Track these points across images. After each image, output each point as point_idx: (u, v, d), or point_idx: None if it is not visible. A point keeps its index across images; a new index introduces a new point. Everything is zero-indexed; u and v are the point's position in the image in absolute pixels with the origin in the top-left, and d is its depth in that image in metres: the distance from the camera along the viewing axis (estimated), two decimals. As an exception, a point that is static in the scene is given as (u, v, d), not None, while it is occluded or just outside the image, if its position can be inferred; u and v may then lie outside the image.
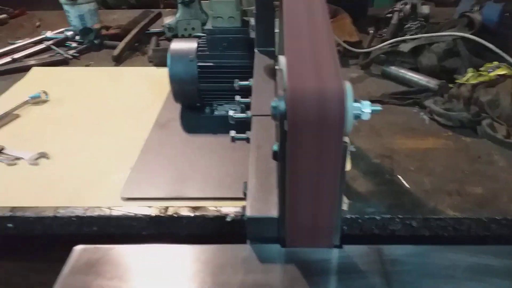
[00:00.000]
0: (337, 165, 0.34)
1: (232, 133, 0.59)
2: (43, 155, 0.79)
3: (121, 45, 1.23)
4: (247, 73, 0.81)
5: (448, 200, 0.69)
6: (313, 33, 0.37)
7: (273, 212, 0.43)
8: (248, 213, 0.44)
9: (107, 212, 0.68)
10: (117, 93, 1.04)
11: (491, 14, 1.13)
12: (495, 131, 0.83)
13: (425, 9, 1.24)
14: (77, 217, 0.67)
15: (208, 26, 0.82)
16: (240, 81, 0.67)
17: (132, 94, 1.03)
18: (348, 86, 0.32)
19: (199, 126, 0.88)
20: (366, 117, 0.35)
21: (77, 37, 1.31)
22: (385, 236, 0.68)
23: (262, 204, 0.44)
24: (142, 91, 1.05)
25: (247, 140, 0.60)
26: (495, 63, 0.95)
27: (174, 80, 0.85)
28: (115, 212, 0.68)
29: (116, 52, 1.20)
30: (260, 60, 0.70)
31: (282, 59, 0.35)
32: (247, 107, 0.66)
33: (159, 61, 1.15)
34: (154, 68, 1.17)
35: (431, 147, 0.82)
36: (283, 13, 0.41)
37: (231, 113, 0.59)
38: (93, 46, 1.30)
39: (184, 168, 0.76)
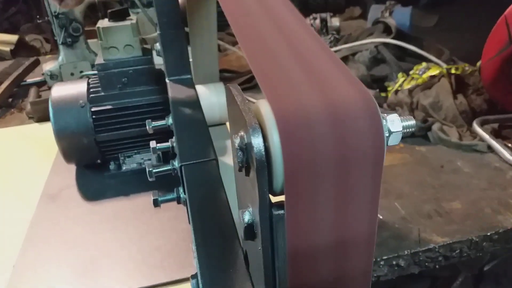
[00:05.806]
0: (372, 225, 0.19)
1: (155, 194, 0.41)
2: None
3: (-13, 103, 0.97)
4: (160, 111, 0.64)
5: (431, 224, 0.57)
6: (284, 33, 0.22)
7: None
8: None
9: None
10: (-15, 165, 0.78)
11: (402, 18, 1.11)
12: (447, 134, 0.75)
13: (335, 22, 1.19)
14: None
15: (99, 60, 0.63)
16: (153, 121, 0.49)
17: (8, 161, 0.78)
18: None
19: (104, 189, 0.67)
20: (396, 140, 0.20)
21: None
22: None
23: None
24: (21, 155, 0.80)
25: (177, 200, 0.42)
26: (424, 64, 0.89)
27: (62, 135, 0.63)
28: None
29: (-19, 112, 0.94)
30: (176, 92, 0.53)
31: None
32: (167, 154, 0.48)
33: (42, 115, 0.92)
34: (36, 125, 0.92)
35: (388, 164, 0.71)
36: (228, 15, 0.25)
37: (149, 167, 0.40)
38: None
39: (92, 252, 0.54)
